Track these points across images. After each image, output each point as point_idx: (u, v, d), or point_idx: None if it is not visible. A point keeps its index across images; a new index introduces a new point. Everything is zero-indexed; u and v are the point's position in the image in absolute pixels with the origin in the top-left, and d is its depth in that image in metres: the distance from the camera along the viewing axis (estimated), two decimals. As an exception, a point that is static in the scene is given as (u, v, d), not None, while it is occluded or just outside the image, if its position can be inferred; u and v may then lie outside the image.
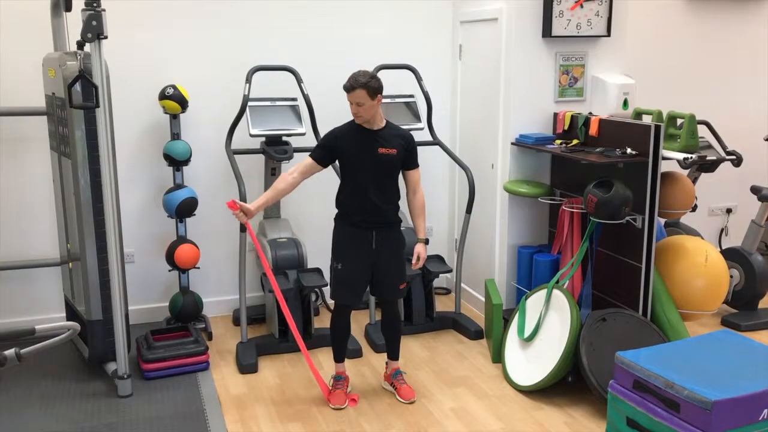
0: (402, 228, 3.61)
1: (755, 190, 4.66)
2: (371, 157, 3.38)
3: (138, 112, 4.39)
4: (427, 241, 3.58)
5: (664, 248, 3.93)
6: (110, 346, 3.67)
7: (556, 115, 4.28)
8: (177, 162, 4.30)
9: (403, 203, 3.58)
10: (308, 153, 3.48)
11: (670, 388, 2.82)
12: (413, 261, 3.56)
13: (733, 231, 5.63)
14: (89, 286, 3.69)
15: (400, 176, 3.53)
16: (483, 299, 4.53)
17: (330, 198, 3.54)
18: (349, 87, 3.32)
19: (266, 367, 4.00)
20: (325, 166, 3.45)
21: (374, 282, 3.56)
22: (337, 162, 3.51)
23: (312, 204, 4.68)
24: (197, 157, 4.43)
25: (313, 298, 4.38)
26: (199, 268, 4.44)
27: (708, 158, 4.17)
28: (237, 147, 4.17)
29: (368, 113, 3.35)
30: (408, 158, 3.49)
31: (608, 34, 4.28)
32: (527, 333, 3.80)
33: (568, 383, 3.63)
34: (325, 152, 3.43)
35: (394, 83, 4.42)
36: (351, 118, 3.44)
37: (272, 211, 4.57)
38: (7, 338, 2.13)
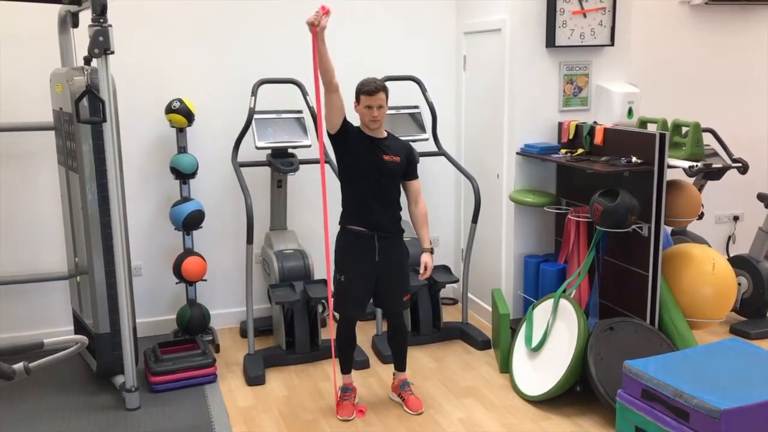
0: (406, 239, 3.61)
1: (762, 197, 4.65)
2: (375, 165, 3.39)
3: (145, 126, 4.42)
4: (432, 251, 3.58)
5: (671, 256, 3.92)
6: (118, 359, 3.67)
7: (560, 124, 4.29)
8: (184, 175, 4.32)
9: (405, 214, 3.58)
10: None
11: (679, 397, 2.81)
12: (421, 271, 3.55)
13: (741, 239, 5.61)
14: (97, 299, 3.70)
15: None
16: (490, 309, 4.53)
17: (337, 209, 3.55)
18: (374, 89, 3.32)
19: (274, 379, 4.00)
20: (341, 125, 3.34)
21: (377, 294, 3.56)
22: (339, 170, 3.52)
23: (318, 215, 4.67)
24: (204, 170, 4.45)
25: (320, 309, 4.38)
26: (206, 280, 4.45)
27: (714, 166, 4.16)
28: (243, 159, 4.19)
29: (384, 117, 3.39)
30: (409, 168, 3.50)
31: (612, 44, 4.29)
32: (535, 343, 3.79)
33: (576, 393, 3.61)
34: (346, 121, 3.36)
35: (399, 94, 4.44)
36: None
37: (278, 223, 4.59)
38: (16, 352, 2.13)
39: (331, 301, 3.57)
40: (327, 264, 3.48)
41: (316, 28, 3.16)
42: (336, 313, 3.66)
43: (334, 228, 3.55)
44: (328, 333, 4.44)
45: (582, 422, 3.49)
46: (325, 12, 3.17)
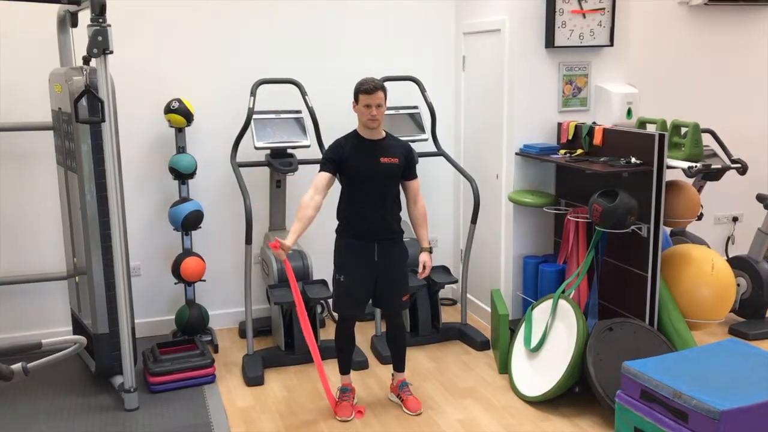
0: (405, 239, 3.61)
1: (761, 198, 4.65)
2: (373, 167, 3.39)
3: (144, 126, 4.42)
4: (431, 250, 3.58)
5: (670, 257, 3.92)
6: (117, 359, 3.67)
7: (560, 125, 4.28)
8: (183, 175, 4.31)
9: (404, 214, 3.58)
10: (318, 168, 3.46)
11: (678, 398, 2.81)
12: (419, 270, 3.55)
13: (740, 239, 5.61)
14: (96, 299, 3.70)
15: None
16: (489, 310, 4.52)
17: (335, 209, 3.54)
18: (373, 88, 3.32)
19: (272, 380, 4.00)
20: (335, 175, 3.43)
21: (377, 294, 3.56)
22: (340, 175, 3.52)
23: (318, 215, 4.68)
24: (203, 171, 4.45)
25: (319, 309, 4.38)
26: (205, 280, 4.44)
27: (713, 167, 4.17)
28: (242, 160, 4.18)
29: (383, 116, 3.38)
30: (408, 168, 3.50)
31: (611, 44, 4.29)
32: (534, 343, 3.79)
33: (575, 394, 3.61)
34: (335, 163, 3.41)
35: (398, 95, 4.44)
36: (352, 129, 3.46)
37: (277, 223, 4.58)
38: (14, 352, 2.13)
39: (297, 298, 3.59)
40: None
41: (286, 260, 3.43)
42: (335, 314, 3.66)
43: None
44: (328, 333, 4.45)
45: (581, 423, 3.49)
46: (276, 247, 3.32)
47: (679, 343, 3.65)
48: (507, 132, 4.35)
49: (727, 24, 5.35)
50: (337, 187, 3.52)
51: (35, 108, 4.14)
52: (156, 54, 4.39)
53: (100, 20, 3.31)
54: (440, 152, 4.59)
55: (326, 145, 4.12)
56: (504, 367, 3.99)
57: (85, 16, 3.49)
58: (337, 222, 3.53)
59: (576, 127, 4.16)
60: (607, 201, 3.63)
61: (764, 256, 4.62)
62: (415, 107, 4.67)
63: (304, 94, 4.30)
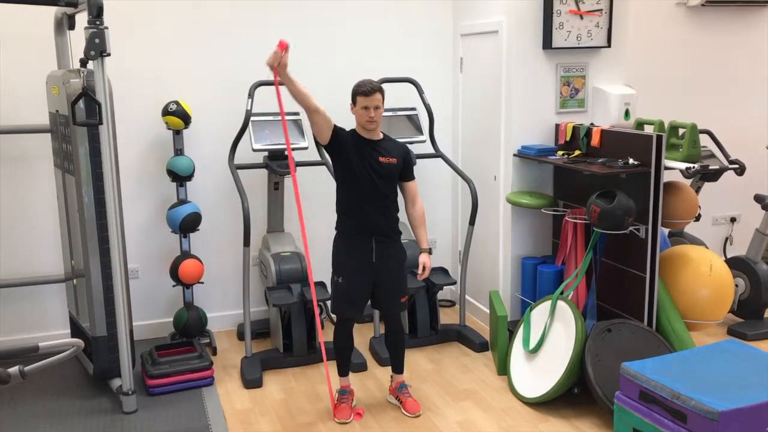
0: (404, 241, 3.61)
1: (759, 198, 4.65)
2: (372, 167, 3.39)
3: (141, 129, 4.41)
4: (430, 251, 3.58)
5: (669, 258, 3.92)
6: (115, 362, 3.67)
7: (557, 126, 4.29)
8: (180, 177, 4.31)
9: (402, 215, 3.58)
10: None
11: (677, 398, 2.81)
12: (419, 271, 3.55)
13: (738, 240, 5.62)
14: (93, 302, 3.69)
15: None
16: (488, 311, 4.52)
17: (334, 211, 3.54)
18: (370, 90, 3.32)
19: (271, 382, 3.99)
20: (330, 136, 3.34)
21: (375, 295, 3.56)
22: (335, 172, 3.51)
23: (316, 218, 4.68)
24: (200, 173, 4.45)
25: (319, 311, 4.37)
26: (203, 283, 4.44)
27: (710, 167, 4.17)
28: (240, 162, 4.18)
29: (380, 118, 3.39)
30: (406, 169, 3.50)
31: (609, 45, 4.29)
32: (532, 345, 3.79)
33: (574, 395, 3.61)
34: (338, 130, 3.37)
35: (396, 96, 4.44)
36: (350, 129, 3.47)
37: (276, 225, 4.58)
38: (11, 355, 2.13)
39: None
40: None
41: (276, 68, 3.17)
42: (333, 315, 3.66)
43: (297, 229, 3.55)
44: (326, 335, 4.44)
45: (580, 424, 3.48)
46: (284, 48, 3.11)
47: (677, 343, 3.65)
48: (505, 133, 4.35)
49: (724, 25, 5.36)
50: (334, 187, 3.52)
51: (32, 110, 4.13)
52: (153, 56, 4.39)
53: (98, 22, 3.31)
54: (438, 154, 4.59)
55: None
56: (503, 369, 3.99)
57: (82, 19, 3.49)
58: (336, 223, 3.53)
59: (574, 128, 4.16)
60: (605, 202, 3.63)
61: (762, 256, 4.62)
62: (413, 109, 4.67)
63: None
